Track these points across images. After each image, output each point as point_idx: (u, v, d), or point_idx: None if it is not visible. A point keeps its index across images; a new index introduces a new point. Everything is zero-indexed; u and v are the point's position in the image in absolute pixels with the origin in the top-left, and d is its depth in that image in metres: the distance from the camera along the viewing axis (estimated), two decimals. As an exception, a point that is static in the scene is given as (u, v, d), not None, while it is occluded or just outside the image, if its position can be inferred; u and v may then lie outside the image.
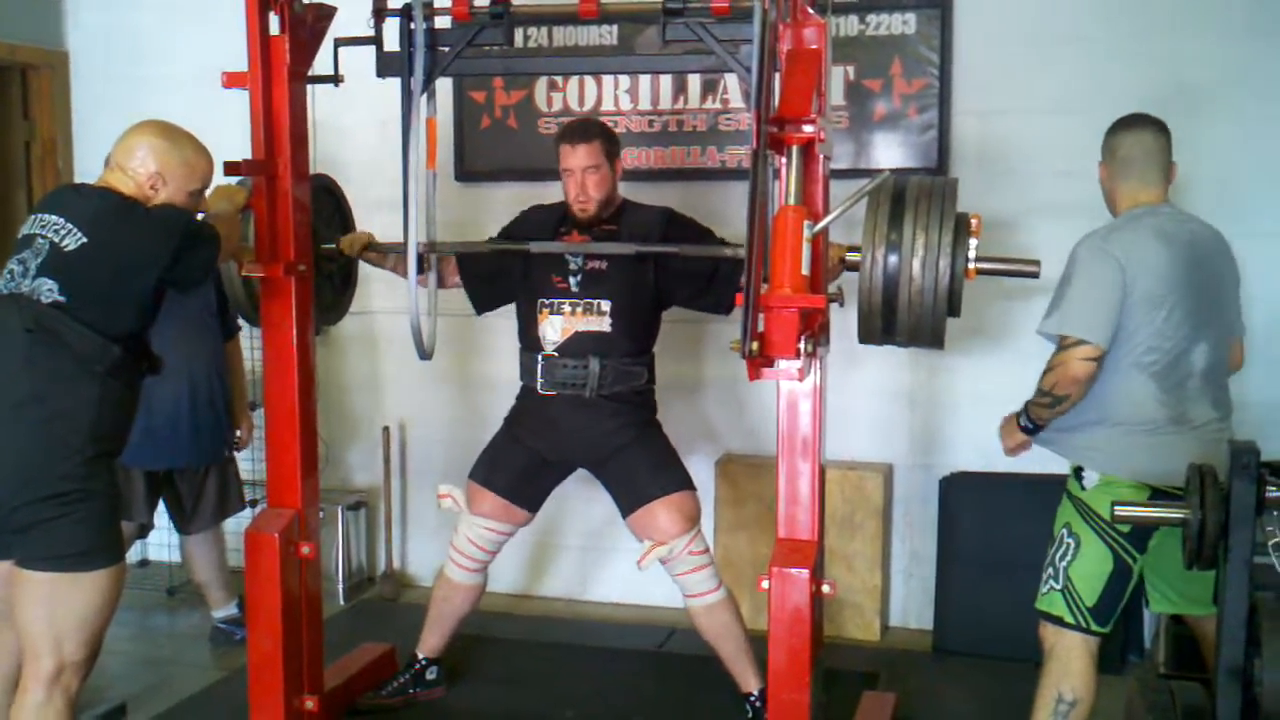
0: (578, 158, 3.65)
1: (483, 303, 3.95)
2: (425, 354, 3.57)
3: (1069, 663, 3.09)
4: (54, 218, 2.90)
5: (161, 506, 4.34)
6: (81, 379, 2.83)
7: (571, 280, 3.70)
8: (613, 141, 3.73)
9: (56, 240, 2.85)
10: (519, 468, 3.82)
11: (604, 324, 3.67)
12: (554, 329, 3.71)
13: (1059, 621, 3.09)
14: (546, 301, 3.72)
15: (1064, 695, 3.08)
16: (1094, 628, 3.08)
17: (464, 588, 3.90)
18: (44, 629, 2.83)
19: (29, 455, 2.81)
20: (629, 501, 3.73)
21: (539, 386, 3.73)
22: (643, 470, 3.71)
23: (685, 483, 3.75)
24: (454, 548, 3.88)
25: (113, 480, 2.94)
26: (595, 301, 3.68)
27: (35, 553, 2.81)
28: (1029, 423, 3.17)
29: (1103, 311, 2.97)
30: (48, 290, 2.82)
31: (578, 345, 3.68)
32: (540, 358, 3.72)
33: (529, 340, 3.78)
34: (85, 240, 2.85)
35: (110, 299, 2.86)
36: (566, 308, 3.69)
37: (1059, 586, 3.09)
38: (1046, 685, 3.12)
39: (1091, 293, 2.98)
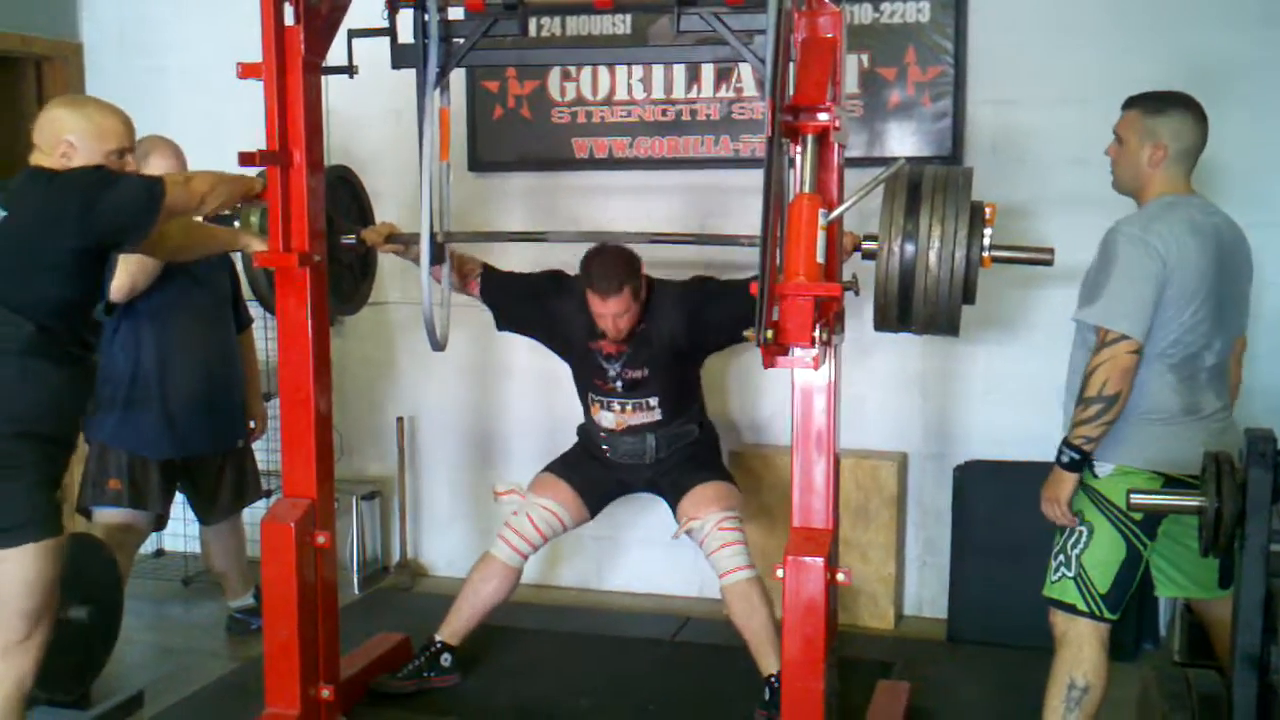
0: (609, 308, 3.70)
1: (504, 325, 4.05)
2: (438, 345, 3.60)
3: (1080, 649, 3.09)
4: None
5: (181, 497, 4.36)
6: None
7: (617, 384, 3.87)
8: (637, 276, 3.73)
9: None
10: (592, 472, 4.03)
11: (654, 414, 3.90)
12: (608, 420, 3.94)
13: (1071, 609, 3.09)
14: (596, 397, 3.93)
15: (1076, 681, 3.08)
16: (1106, 614, 3.07)
17: (504, 569, 3.94)
18: None
19: None
20: (675, 494, 3.91)
21: (603, 450, 3.97)
22: (690, 467, 3.93)
23: (727, 477, 3.99)
24: (509, 526, 3.95)
25: (45, 459, 2.92)
26: (643, 400, 3.87)
27: None
28: (1075, 453, 3.01)
29: (1146, 307, 2.92)
30: None
31: (633, 430, 3.91)
32: (600, 433, 3.96)
33: (585, 418, 4.03)
34: (3, 215, 2.87)
35: (28, 269, 2.85)
36: (616, 406, 3.90)
37: (1071, 574, 3.08)
38: (1059, 672, 3.12)
39: (1134, 287, 2.92)
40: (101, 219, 2.89)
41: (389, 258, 3.98)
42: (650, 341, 3.81)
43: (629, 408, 3.88)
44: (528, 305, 3.97)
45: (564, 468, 4.05)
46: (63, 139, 2.97)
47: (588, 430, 4.06)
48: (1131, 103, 3.14)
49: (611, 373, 3.85)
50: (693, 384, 4.03)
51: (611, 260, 3.70)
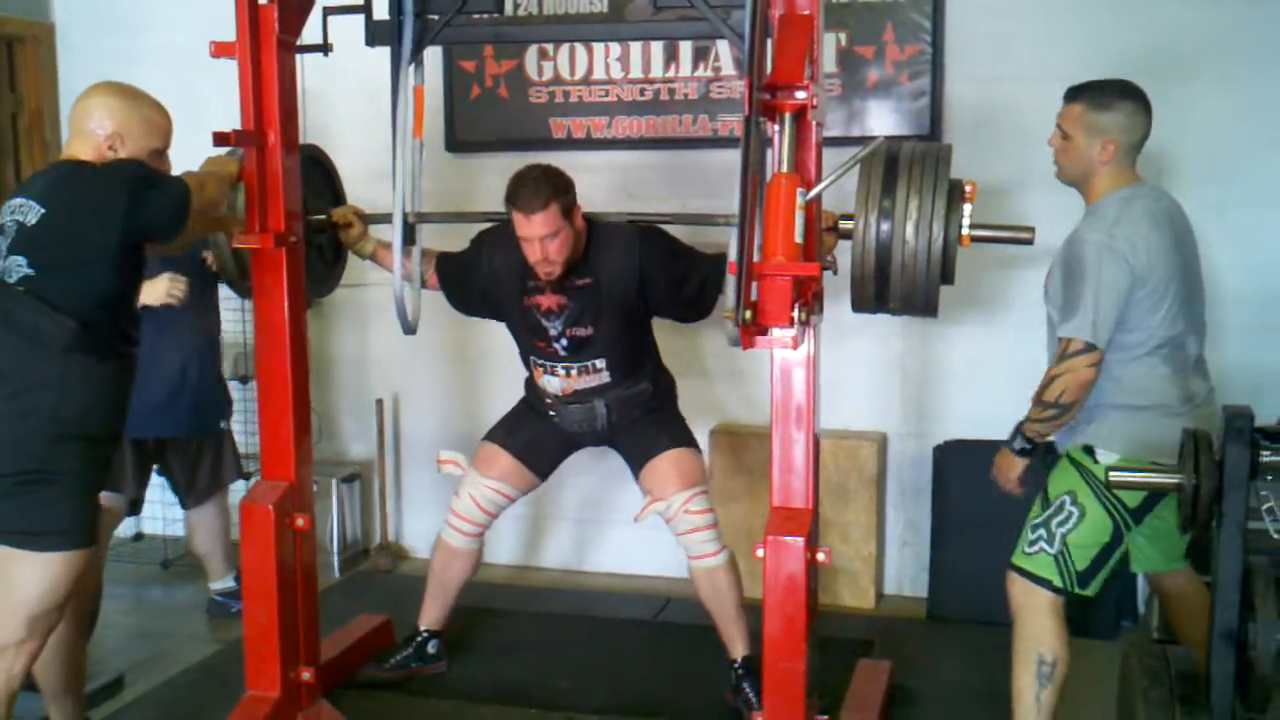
0: (533, 228, 3.42)
1: (453, 302, 3.92)
2: (409, 328, 3.57)
3: (1041, 623, 3.10)
4: (19, 200, 2.87)
5: (161, 480, 4.34)
6: (40, 358, 2.79)
7: (558, 346, 3.66)
8: (566, 193, 3.46)
9: (22, 219, 2.82)
10: (537, 432, 3.86)
11: (602, 377, 3.69)
12: (553, 386, 3.74)
13: (1045, 584, 3.09)
14: (539, 361, 3.72)
15: (1044, 657, 3.09)
16: (1077, 590, 3.09)
17: (462, 553, 3.89)
18: None
19: None
20: (636, 461, 3.77)
21: (550, 417, 3.80)
22: (649, 431, 3.76)
23: (688, 441, 3.79)
24: (453, 512, 3.87)
25: (87, 464, 2.87)
26: (589, 362, 3.67)
27: None
28: (1026, 443, 3.14)
29: (1111, 317, 2.95)
30: (17, 267, 2.79)
31: (581, 395, 3.72)
32: (546, 399, 3.78)
33: (529, 379, 3.84)
34: (44, 211, 2.81)
35: (75, 264, 2.81)
36: (561, 370, 3.69)
37: (1053, 551, 3.08)
38: (1023, 650, 3.13)
39: (1103, 299, 2.93)
40: (145, 216, 2.85)
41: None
42: (596, 295, 3.57)
43: (574, 371, 3.66)
44: (468, 273, 3.78)
45: (505, 434, 3.88)
46: (111, 130, 2.92)
47: (533, 391, 3.86)
48: (1074, 95, 3.11)
49: (553, 331, 3.62)
50: (643, 340, 3.77)
51: (536, 174, 3.43)
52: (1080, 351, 2.96)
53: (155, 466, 4.30)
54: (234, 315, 4.64)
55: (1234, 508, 2.42)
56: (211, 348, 4.27)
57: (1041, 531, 3.11)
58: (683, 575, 3.93)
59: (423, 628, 3.97)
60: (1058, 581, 3.08)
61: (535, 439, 3.86)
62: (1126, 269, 2.93)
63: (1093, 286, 2.94)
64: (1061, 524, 3.09)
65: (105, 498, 3.96)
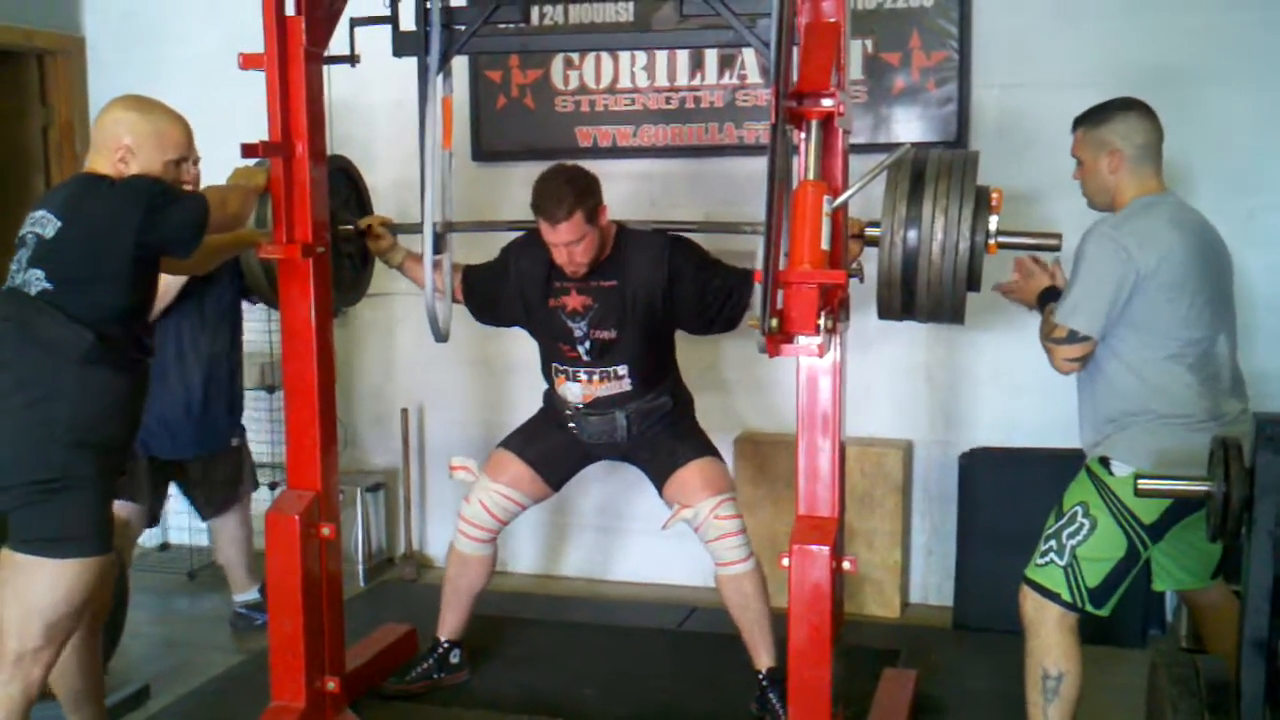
0: (559, 235, 3.46)
1: (483, 318, 3.93)
2: (441, 336, 3.58)
3: (1048, 636, 3.07)
4: (40, 213, 2.89)
5: (179, 492, 4.36)
6: (58, 368, 2.81)
7: (581, 350, 3.67)
8: (591, 197, 3.47)
9: (40, 232, 2.85)
10: (554, 443, 3.84)
11: (624, 385, 3.67)
12: (574, 394, 3.71)
13: (1055, 597, 3.06)
14: (560, 368, 3.71)
15: (1049, 671, 3.07)
16: (1088, 608, 3.04)
17: (475, 560, 3.88)
18: (11, 611, 2.84)
19: (15, 440, 2.82)
20: (660, 475, 3.74)
21: (570, 429, 3.77)
22: (669, 444, 3.74)
23: (710, 450, 3.78)
24: (463, 518, 3.86)
25: (103, 471, 2.88)
26: (611, 369, 3.66)
27: (14, 534, 2.82)
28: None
29: (1103, 305, 2.93)
30: (36, 279, 2.81)
31: (601, 405, 3.70)
32: (566, 409, 3.76)
33: (550, 388, 3.81)
34: (60, 224, 2.83)
35: (90, 278, 2.83)
36: (583, 376, 3.67)
37: (1062, 563, 3.05)
38: (1031, 663, 3.11)
39: (1095, 287, 2.94)
40: (167, 230, 2.87)
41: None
42: (622, 298, 3.58)
43: (596, 378, 3.65)
44: (496, 280, 3.79)
45: (521, 443, 3.86)
46: (122, 142, 2.94)
47: (553, 402, 3.84)
48: (1077, 122, 3.15)
49: (578, 333, 3.62)
50: (666, 352, 3.78)
51: (560, 181, 3.45)
52: (1064, 340, 2.97)
53: (174, 481, 4.32)
54: (260, 325, 4.67)
55: (1265, 516, 2.40)
56: (225, 367, 4.25)
57: (1053, 543, 3.08)
58: (706, 584, 3.93)
59: (443, 638, 3.97)
60: (1066, 595, 3.04)
61: (551, 449, 3.85)
62: (1126, 260, 2.91)
63: (1086, 275, 2.95)
64: (1072, 535, 3.05)
65: (125, 508, 4.03)
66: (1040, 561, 3.10)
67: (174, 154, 3.00)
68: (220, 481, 4.36)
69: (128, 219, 2.82)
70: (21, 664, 2.84)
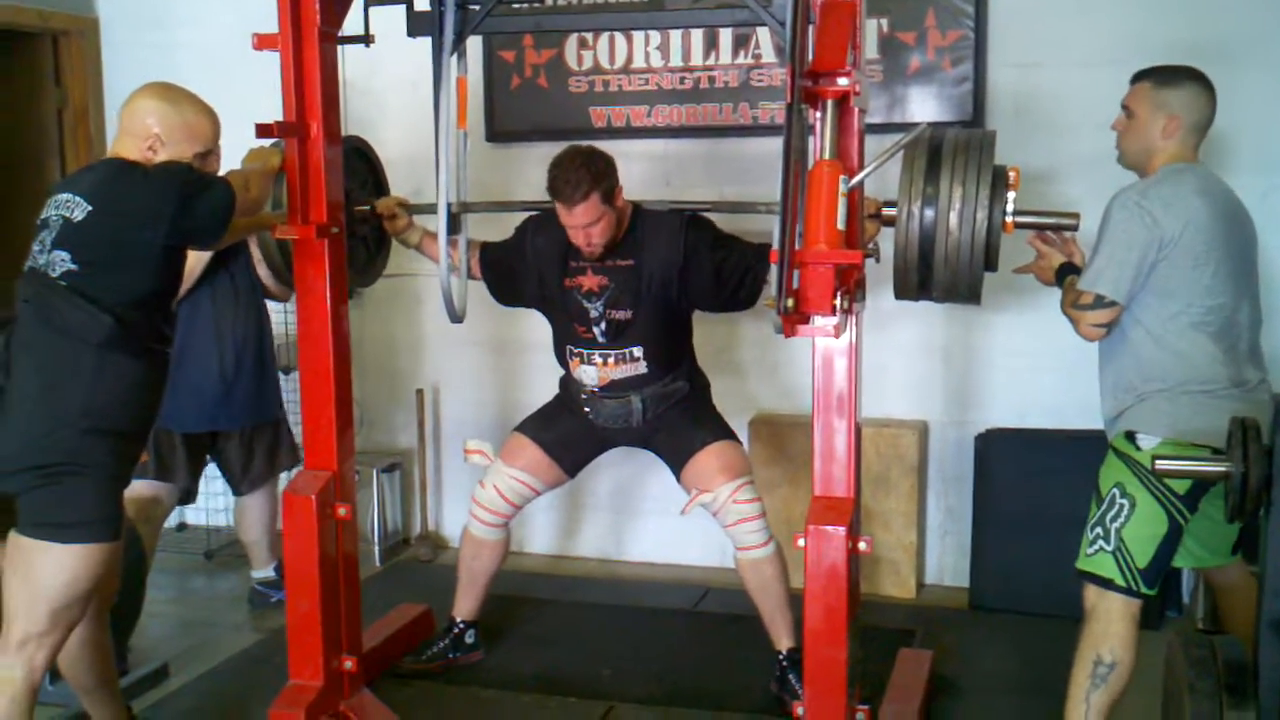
0: (575, 218, 3.46)
1: (500, 297, 3.92)
2: (457, 317, 3.59)
3: (1109, 624, 3.03)
4: (65, 195, 2.89)
5: (207, 471, 4.38)
6: (76, 352, 2.81)
7: (596, 331, 3.65)
8: (607, 178, 3.47)
9: (68, 215, 2.84)
10: (570, 429, 3.83)
11: (639, 368, 3.66)
12: (589, 377, 3.70)
13: (1108, 584, 3.02)
14: (575, 350, 3.70)
15: (1103, 657, 3.04)
16: (1143, 590, 3.01)
17: (489, 543, 3.90)
18: (16, 594, 2.84)
19: (29, 423, 2.82)
20: (677, 460, 3.74)
21: (585, 412, 3.76)
22: (686, 429, 3.73)
23: (728, 433, 3.77)
24: (476, 502, 3.87)
25: (116, 459, 2.88)
26: (626, 350, 3.65)
27: (23, 517, 2.82)
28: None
29: (1128, 270, 2.92)
30: (61, 261, 2.81)
31: (617, 388, 3.69)
32: (581, 393, 3.75)
33: (565, 373, 3.81)
34: (90, 208, 2.83)
35: (117, 263, 2.83)
36: (598, 358, 3.66)
37: (1110, 548, 3.01)
38: (1086, 646, 3.07)
39: (1123, 253, 2.92)
40: (193, 220, 2.88)
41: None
42: (638, 278, 3.57)
43: (611, 360, 3.64)
44: (511, 259, 3.78)
45: (537, 427, 3.86)
46: (152, 131, 2.94)
47: (569, 387, 3.85)
48: (1141, 75, 3.11)
49: (594, 313, 3.61)
50: (682, 336, 3.77)
51: (576, 164, 3.43)
52: (1091, 306, 2.96)
53: (209, 456, 4.34)
54: (275, 306, 4.67)
55: (1284, 496, 2.39)
56: (261, 336, 4.28)
57: (1099, 529, 3.05)
58: (722, 565, 3.94)
59: (458, 619, 3.99)
60: (1120, 580, 3.01)
61: (567, 435, 3.84)
62: (1151, 225, 2.90)
63: (1112, 241, 2.94)
64: (1115, 518, 3.02)
65: (158, 487, 4.07)
66: (1090, 551, 3.07)
67: (201, 147, 3.01)
68: (260, 453, 4.37)
69: (161, 208, 2.83)
70: (26, 648, 2.85)
